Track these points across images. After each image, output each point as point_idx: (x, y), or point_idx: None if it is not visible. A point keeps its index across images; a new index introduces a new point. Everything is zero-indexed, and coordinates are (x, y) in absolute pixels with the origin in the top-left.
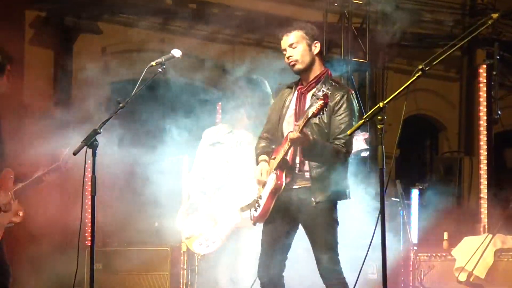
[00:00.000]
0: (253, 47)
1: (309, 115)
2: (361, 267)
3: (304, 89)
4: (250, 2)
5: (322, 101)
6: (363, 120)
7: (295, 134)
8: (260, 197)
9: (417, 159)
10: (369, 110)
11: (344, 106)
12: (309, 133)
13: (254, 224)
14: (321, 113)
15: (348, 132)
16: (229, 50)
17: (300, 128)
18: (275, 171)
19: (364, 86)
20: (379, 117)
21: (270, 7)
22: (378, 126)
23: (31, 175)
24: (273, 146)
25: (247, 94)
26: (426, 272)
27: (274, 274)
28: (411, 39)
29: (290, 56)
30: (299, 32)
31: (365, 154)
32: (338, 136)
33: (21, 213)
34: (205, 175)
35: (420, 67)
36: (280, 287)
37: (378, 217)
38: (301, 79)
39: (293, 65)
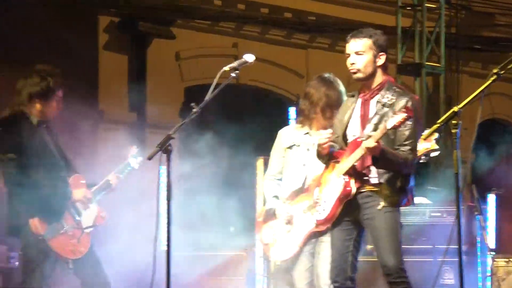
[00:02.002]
0: (326, 52)
1: (389, 127)
2: (438, 273)
3: (367, 96)
4: (322, 7)
5: (406, 115)
6: (437, 125)
7: (372, 144)
8: (323, 200)
9: (493, 163)
10: (443, 115)
11: None
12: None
13: (318, 227)
14: (402, 126)
15: (423, 137)
16: (302, 55)
17: (377, 138)
18: (343, 177)
19: (438, 91)
20: (453, 122)
21: (343, 12)
22: (453, 131)
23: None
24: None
25: (320, 93)
26: (504, 277)
27: (346, 277)
28: (485, 43)
29: (353, 63)
30: (368, 40)
31: (435, 154)
32: (405, 143)
33: (103, 215)
34: (281, 178)
35: (494, 71)
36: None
37: (455, 222)
38: (362, 87)
39: (354, 73)
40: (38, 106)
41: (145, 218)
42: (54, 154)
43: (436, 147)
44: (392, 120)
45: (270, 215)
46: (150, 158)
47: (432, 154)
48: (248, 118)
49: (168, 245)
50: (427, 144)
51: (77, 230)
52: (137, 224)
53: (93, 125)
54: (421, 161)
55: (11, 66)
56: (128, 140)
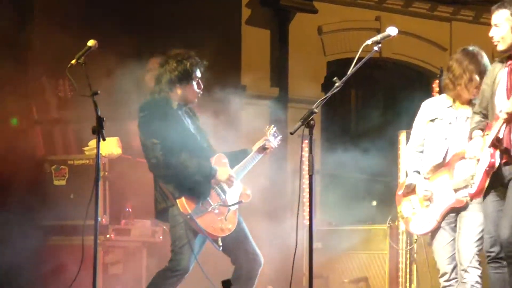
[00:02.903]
0: (469, 24)
1: None
2: None
3: None
4: None
5: None
6: None
7: (510, 108)
8: (475, 174)
9: None
10: None
11: None
12: None
13: (471, 200)
14: None
15: None
16: (446, 27)
17: None
18: (489, 148)
19: None
20: None
21: None
22: None
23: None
24: (488, 121)
25: (462, 67)
26: None
27: (502, 243)
28: None
29: (492, 36)
30: (504, 11)
31: None
32: None
33: (249, 192)
34: (422, 151)
35: None
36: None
37: None
38: (511, 55)
39: (495, 45)
40: (179, 91)
41: (284, 194)
42: (196, 136)
43: None
44: None
45: (410, 189)
46: (292, 133)
47: None
48: (390, 91)
49: (310, 220)
50: None
51: (224, 208)
52: (279, 200)
53: (236, 100)
54: None
55: (156, 45)
56: (270, 115)
